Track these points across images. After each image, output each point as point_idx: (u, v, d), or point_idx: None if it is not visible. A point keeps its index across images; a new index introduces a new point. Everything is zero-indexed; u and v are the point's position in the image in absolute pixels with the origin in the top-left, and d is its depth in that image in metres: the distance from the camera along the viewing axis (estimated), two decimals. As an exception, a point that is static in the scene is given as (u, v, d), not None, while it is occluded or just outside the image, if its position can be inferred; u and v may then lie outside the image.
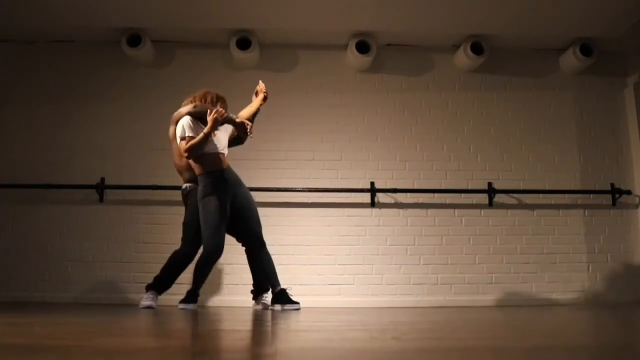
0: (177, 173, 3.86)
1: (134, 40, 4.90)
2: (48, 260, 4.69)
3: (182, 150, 3.52)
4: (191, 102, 3.73)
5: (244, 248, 3.74)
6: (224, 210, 3.51)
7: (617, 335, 1.76)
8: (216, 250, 3.51)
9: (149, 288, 3.67)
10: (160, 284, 3.68)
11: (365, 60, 5.10)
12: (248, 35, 4.95)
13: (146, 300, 3.61)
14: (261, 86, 3.85)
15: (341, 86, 5.20)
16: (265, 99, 3.82)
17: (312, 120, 5.08)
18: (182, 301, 3.57)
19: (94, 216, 4.81)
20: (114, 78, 5.09)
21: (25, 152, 4.91)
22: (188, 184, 3.75)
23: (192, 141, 3.45)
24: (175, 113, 3.71)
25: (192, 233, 3.67)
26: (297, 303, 3.59)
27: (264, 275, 3.66)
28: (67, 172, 4.83)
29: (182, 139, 3.50)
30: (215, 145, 3.57)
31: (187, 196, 3.75)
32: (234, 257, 4.31)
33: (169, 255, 3.86)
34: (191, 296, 3.57)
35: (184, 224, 3.79)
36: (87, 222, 4.79)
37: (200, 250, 3.64)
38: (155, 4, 4.56)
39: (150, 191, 4.81)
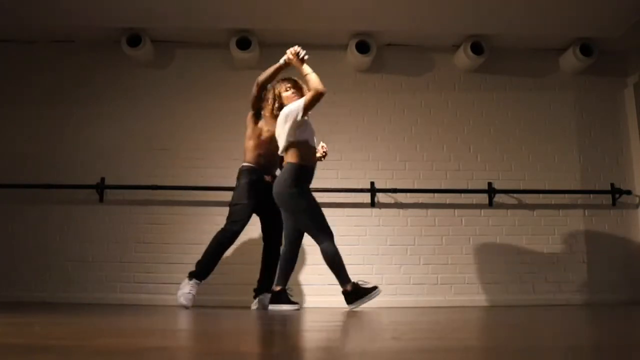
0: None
1: (134, 40, 4.90)
2: (48, 260, 4.69)
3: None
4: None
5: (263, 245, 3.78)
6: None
7: (617, 335, 1.76)
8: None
9: (191, 276, 3.67)
10: (202, 270, 3.71)
11: (365, 60, 5.10)
12: (248, 35, 4.94)
13: (183, 296, 3.61)
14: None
15: (341, 86, 5.19)
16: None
17: (312, 120, 5.07)
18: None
19: (94, 216, 4.80)
20: (114, 78, 5.09)
21: (26, 152, 4.90)
22: (243, 164, 3.89)
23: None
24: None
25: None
26: (297, 303, 3.59)
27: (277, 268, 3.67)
28: (67, 172, 4.83)
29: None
30: (310, 135, 3.72)
31: (238, 176, 3.88)
32: (234, 257, 4.31)
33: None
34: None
35: (229, 204, 3.87)
36: (87, 222, 4.79)
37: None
38: (155, 4, 4.56)
39: (150, 191, 4.81)
